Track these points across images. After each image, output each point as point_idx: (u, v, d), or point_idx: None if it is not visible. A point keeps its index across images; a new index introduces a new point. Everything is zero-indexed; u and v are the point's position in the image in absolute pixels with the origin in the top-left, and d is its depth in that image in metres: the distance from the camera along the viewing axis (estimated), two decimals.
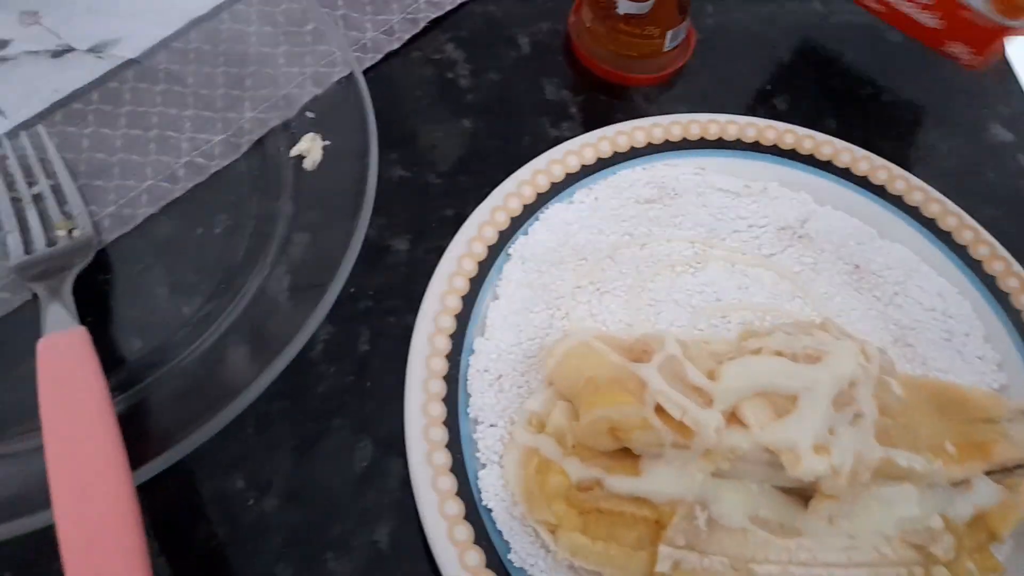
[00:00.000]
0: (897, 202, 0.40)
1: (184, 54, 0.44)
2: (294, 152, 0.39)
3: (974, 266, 0.39)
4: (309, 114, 0.40)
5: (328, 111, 0.39)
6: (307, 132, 0.39)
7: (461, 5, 0.48)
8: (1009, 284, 0.38)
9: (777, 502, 0.31)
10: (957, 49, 0.45)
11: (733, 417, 0.31)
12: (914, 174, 0.43)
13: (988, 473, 0.32)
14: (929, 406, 0.33)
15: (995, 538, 0.31)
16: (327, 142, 0.38)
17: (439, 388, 0.33)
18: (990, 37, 0.42)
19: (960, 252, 0.39)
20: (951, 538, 0.30)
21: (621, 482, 0.30)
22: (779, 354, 0.32)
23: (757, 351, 0.32)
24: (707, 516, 0.30)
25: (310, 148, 0.38)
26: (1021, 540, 0.33)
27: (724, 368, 0.31)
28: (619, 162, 0.40)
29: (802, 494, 0.31)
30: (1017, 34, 0.42)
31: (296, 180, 0.39)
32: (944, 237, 0.40)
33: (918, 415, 0.33)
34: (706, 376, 0.32)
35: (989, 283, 0.38)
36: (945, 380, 0.36)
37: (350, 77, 0.39)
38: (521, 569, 0.30)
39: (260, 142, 0.41)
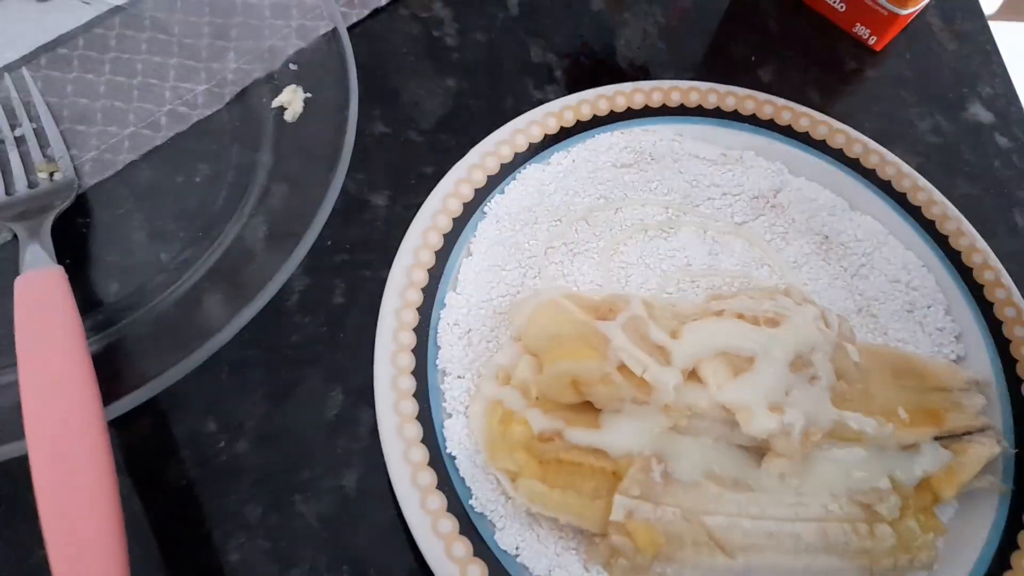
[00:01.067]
0: (870, 175, 0.41)
1: (171, 2, 0.44)
2: (276, 103, 0.39)
3: (940, 241, 0.39)
4: (292, 66, 0.40)
5: (311, 64, 0.40)
6: (289, 84, 0.39)
7: None
8: (973, 260, 0.39)
9: (731, 459, 0.32)
10: (862, 31, 0.50)
11: (693, 376, 0.32)
12: (892, 149, 0.43)
13: (938, 439, 0.33)
14: (886, 373, 0.34)
15: (939, 500, 0.32)
16: (308, 94, 0.39)
17: (409, 339, 0.33)
18: (886, 21, 0.48)
19: (928, 227, 0.40)
20: (897, 498, 0.31)
21: (581, 434, 0.31)
22: (740, 317, 0.33)
23: (719, 313, 0.33)
24: (663, 469, 0.31)
25: (291, 100, 0.39)
26: (966, 504, 0.34)
27: (686, 328, 0.32)
28: (598, 126, 0.40)
29: (756, 452, 0.32)
30: (909, 19, 0.48)
31: (277, 131, 0.39)
32: (913, 212, 0.40)
33: (874, 381, 0.34)
34: (669, 336, 0.32)
35: (954, 258, 0.39)
36: (904, 350, 0.37)
37: (334, 32, 0.39)
38: (481, 515, 0.31)
39: (242, 93, 0.41)
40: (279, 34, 0.43)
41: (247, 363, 0.36)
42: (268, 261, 0.35)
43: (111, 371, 0.34)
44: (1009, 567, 0.32)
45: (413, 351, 0.33)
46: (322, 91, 0.38)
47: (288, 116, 0.39)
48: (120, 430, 0.34)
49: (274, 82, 0.40)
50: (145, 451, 0.34)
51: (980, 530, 0.33)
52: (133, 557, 0.27)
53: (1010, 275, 0.39)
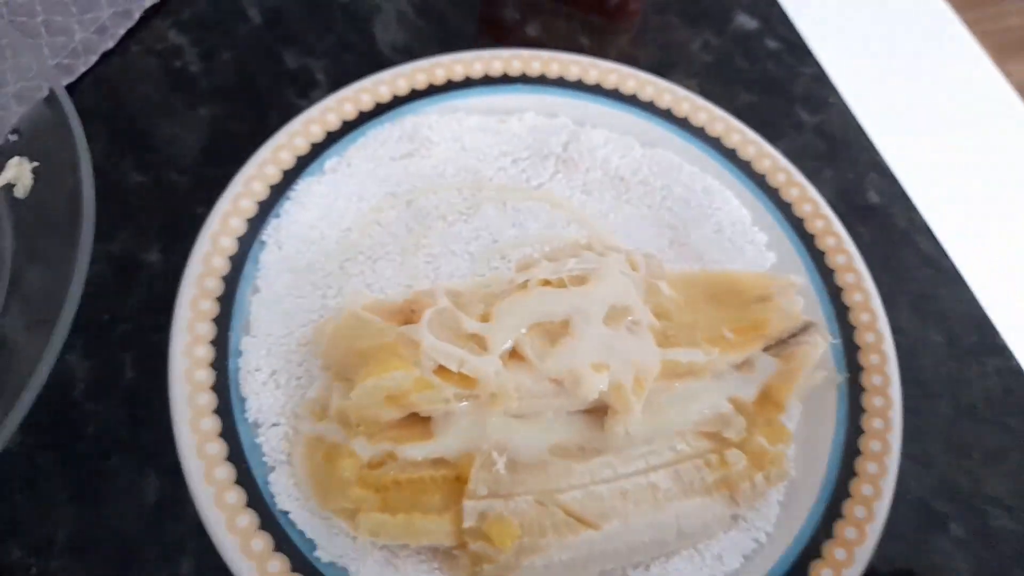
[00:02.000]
0: (649, 108, 0.41)
1: None
2: (1, 182, 0.35)
3: (730, 155, 0.40)
4: (12, 137, 0.36)
5: (31, 130, 0.35)
6: (12, 157, 0.35)
7: None
8: (764, 165, 0.39)
9: (573, 428, 0.31)
10: None
11: (515, 355, 0.31)
12: (671, 75, 0.43)
13: (768, 350, 0.33)
14: (704, 298, 0.34)
15: (782, 409, 0.32)
16: (35, 163, 0.35)
17: (207, 400, 0.30)
18: None
19: (715, 144, 0.40)
20: (741, 419, 0.31)
21: (414, 449, 0.29)
22: (547, 283, 0.32)
23: (524, 285, 0.31)
24: (506, 459, 0.29)
25: (18, 175, 0.34)
26: (809, 405, 0.34)
27: (495, 309, 0.31)
28: (367, 121, 0.38)
29: (599, 413, 0.31)
30: None
31: (12, 212, 0.34)
32: (699, 133, 0.40)
33: (695, 310, 0.33)
34: (480, 319, 0.31)
35: (746, 169, 0.39)
36: (718, 270, 0.37)
37: (50, 90, 0.35)
38: (331, 564, 0.29)
39: None
40: None
41: (41, 472, 0.32)
42: (34, 354, 0.31)
43: None
44: (859, 452, 0.33)
45: (215, 411, 0.30)
46: (49, 157, 0.34)
47: (19, 192, 0.34)
48: None
49: None
50: None
51: (827, 425, 0.34)
52: None
53: (803, 171, 0.40)
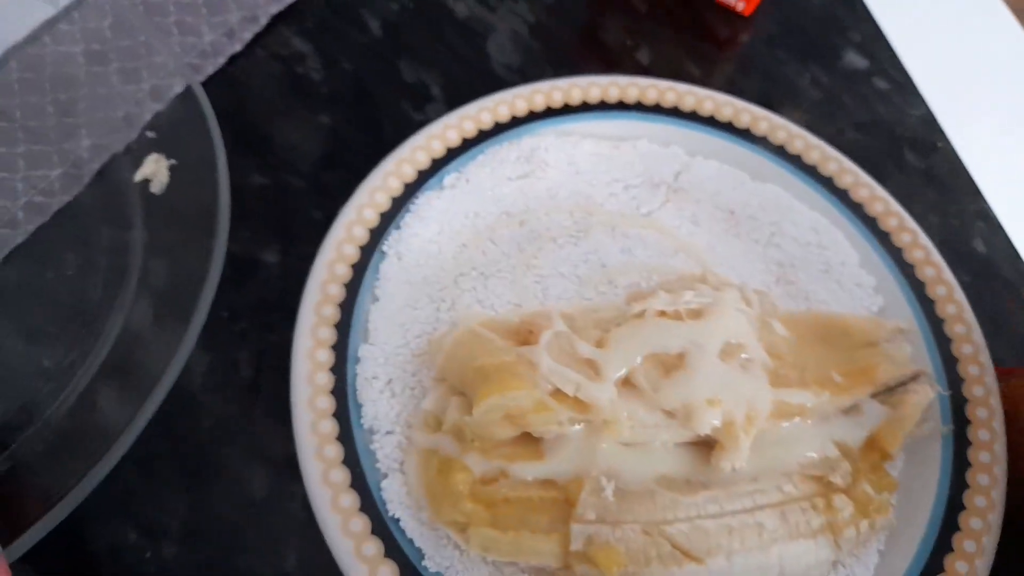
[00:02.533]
0: (763, 143, 0.41)
1: (7, 87, 0.40)
2: (138, 177, 0.36)
3: (842, 196, 0.40)
4: (150, 134, 0.37)
5: (169, 128, 0.37)
6: (150, 154, 0.37)
7: None
8: (876, 209, 0.39)
9: (680, 460, 0.31)
10: None
11: (627, 383, 0.31)
12: (778, 110, 0.43)
13: (874, 396, 0.33)
14: (814, 339, 0.34)
15: (887, 457, 0.32)
16: (172, 161, 0.36)
17: (327, 404, 0.31)
18: None
19: (827, 184, 0.40)
20: (847, 465, 0.31)
21: (526, 468, 0.30)
22: (663, 314, 0.32)
23: (641, 315, 0.32)
24: (614, 486, 0.30)
25: (155, 171, 0.36)
26: (912, 454, 0.34)
27: (611, 336, 0.31)
28: (485, 140, 0.39)
29: (705, 447, 0.31)
30: None
31: (145, 205, 0.36)
32: (811, 171, 0.40)
33: (804, 350, 0.34)
34: (595, 345, 0.31)
35: (857, 211, 0.39)
36: (826, 311, 0.37)
37: (188, 90, 0.37)
38: (438, 574, 0.29)
39: (102, 171, 0.38)
40: (132, 100, 0.40)
41: (157, 459, 0.34)
42: (162, 346, 0.32)
43: (11, 501, 0.31)
44: (963, 507, 0.32)
45: (334, 415, 0.31)
46: (187, 155, 0.36)
47: (155, 188, 0.36)
48: (34, 559, 0.31)
49: (134, 153, 0.37)
50: None
51: (930, 476, 0.33)
52: None
53: (912, 215, 0.40)
